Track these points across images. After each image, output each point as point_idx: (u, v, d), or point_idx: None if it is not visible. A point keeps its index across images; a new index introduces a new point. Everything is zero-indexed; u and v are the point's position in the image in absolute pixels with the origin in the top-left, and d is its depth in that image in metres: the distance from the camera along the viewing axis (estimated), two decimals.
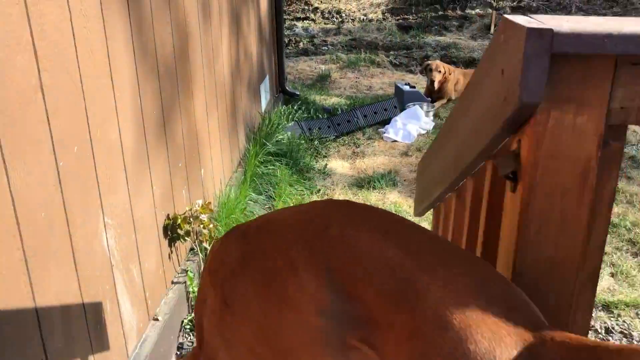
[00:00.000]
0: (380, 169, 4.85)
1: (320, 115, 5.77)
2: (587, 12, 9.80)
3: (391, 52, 8.99)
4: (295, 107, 5.68)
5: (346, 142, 5.44)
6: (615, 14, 9.58)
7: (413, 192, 4.38)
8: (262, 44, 5.18)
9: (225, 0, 3.79)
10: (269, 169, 4.23)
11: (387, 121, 5.80)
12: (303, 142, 5.04)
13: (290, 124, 5.07)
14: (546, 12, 10.08)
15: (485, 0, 10.75)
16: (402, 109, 5.96)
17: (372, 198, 4.30)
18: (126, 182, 2.22)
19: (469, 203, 1.28)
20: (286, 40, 9.10)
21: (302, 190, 4.32)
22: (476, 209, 1.25)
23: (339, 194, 4.34)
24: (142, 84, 2.35)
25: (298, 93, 6.13)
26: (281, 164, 4.38)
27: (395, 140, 5.44)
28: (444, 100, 6.62)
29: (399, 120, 5.65)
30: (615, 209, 4.15)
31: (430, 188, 1.61)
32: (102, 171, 2.00)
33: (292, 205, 4.03)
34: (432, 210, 1.99)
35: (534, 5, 10.34)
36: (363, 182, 4.54)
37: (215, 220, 3.11)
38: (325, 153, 5.16)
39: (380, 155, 5.13)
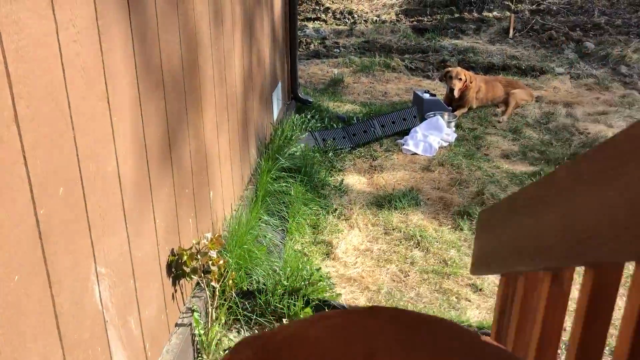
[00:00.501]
0: (401, 185, 4.50)
1: (334, 125, 5.43)
2: (610, 17, 9.41)
3: (406, 56, 8.63)
4: (308, 116, 5.34)
5: (362, 154, 5.10)
6: None
7: (438, 213, 4.05)
8: (275, 49, 4.85)
9: (238, 2, 3.45)
10: (282, 186, 3.90)
11: (406, 132, 5.45)
12: (317, 155, 4.70)
13: (303, 136, 4.74)
14: (567, 16, 9.71)
15: (503, 3, 10.37)
16: (422, 119, 5.62)
17: (394, 220, 3.96)
18: (124, 220, 1.89)
19: (583, 301, 0.94)
20: None
21: (317, 210, 3.98)
22: (596, 312, 0.91)
23: (357, 214, 4.00)
24: (144, 103, 2.02)
25: (311, 100, 5.79)
26: (295, 180, 4.04)
27: (415, 153, 5.09)
28: (465, 109, 6.26)
29: (419, 131, 5.30)
30: None
31: (506, 254, 1.27)
32: (95, 212, 1.67)
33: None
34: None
35: (554, 9, 9.95)
36: (383, 201, 4.20)
37: (226, 251, 2.78)
38: (341, 166, 4.82)
39: (400, 170, 4.78)
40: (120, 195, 1.85)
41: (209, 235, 2.41)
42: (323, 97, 6.70)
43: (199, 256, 2.31)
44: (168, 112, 2.27)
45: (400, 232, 3.81)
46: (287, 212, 3.73)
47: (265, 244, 3.12)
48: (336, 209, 4.04)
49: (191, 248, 2.37)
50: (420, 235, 3.73)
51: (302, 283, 2.82)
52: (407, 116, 5.50)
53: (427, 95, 5.85)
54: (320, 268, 3.08)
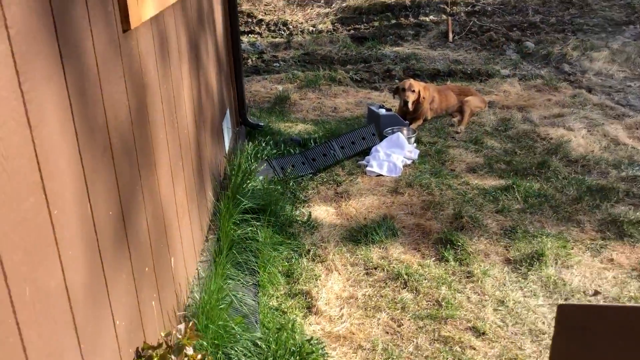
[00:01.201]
0: (372, 213, 4.15)
1: (291, 150, 5.01)
2: (544, 15, 9.49)
3: (349, 67, 8.33)
4: (262, 143, 4.90)
5: (325, 179, 4.71)
6: (573, 16, 9.32)
7: (418, 243, 3.74)
8: (220, 73, 4.39)
9: (183, 28, 2.99)
10: (247, 231, 3.45)
11: (366, 151, 5.12)
12: (279, 187, 4.27)
13: (262, 167, 4.29)
14: (503, 16, 9.72)
15: (438, 6, 10.29)
16: (380, 136, 5.30)
17: (373, 256, 3.59)
18: (77, 341, 1.41)
19: None
20: None
21: (288, 254, 3.56)
22: None
23: (333, 254, 3.60)
24: (91, 180, 1.55)
25: (262, 124, 5.35)
26: (260, 222, 3.59)
27: (380, 175, 4.76)
28: (420, 121, 6.01)
29: (380, 150, 4.98)
30: None
31: None
32: (39, 352, 1.19)
33: (280, 276, 3.27)
34: None
35: (489, 9, 9.95)
36: (358, 234, 3.83)
37: (199, 331, 2.31)
38: (305, 196, 4.41)
39: (368, 195, 4.43)
40: (70, 313, 1.37)
41: (182, 327, 1.94)
42: (271, 117, 6.27)
43: (172, 356, 1.85)
44: (119, 181, 1.80)
45: (384, 270, 3.45)
46: (256, 262, 3.28)
47: (239, 311, 2.67)
48: (309, 250, 3.63)
49: (161, 345, 1.89)
50: (405, 273, 3.38)
51: (292, 359, 2.39)
52: (366, 135, 5.17)
53: (383, 111, 5.55)
54: (311, 338, 2.66)
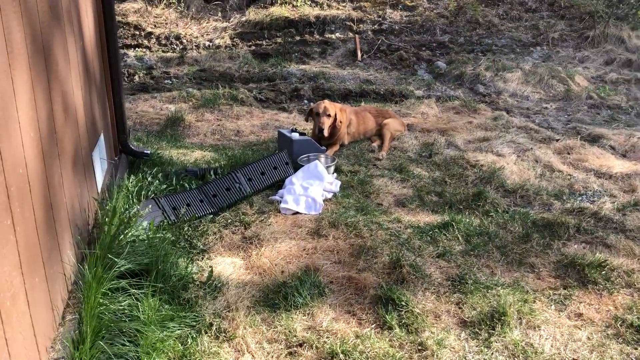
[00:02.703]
0: (291, 264, 3.31)
1: (186, 185, 4.06)
2: (452, 35, 9.23)
3: (252, 85, 7.52)
4: (148, 176, 3.91)
5: (230, 220, 3.81)
6: (480, 37, 9.12)
7: (351, 304, 3.02)
8: (90, 88, 3.39)
9: (18, 20, 2.02)
10: (123, 305, 2.48)
11: (279, 183, 4.29)
12: (170, 235, 3.31)
13: (145, 211, 3.32)
14: (411, 35, 9.35)
15: (344, 24, 9.76)
16: (295, 165, 4.51)
17: (297, 327, 2.74)
18: None
19: None
20: None
21: (183, 331, 2.62)
22: None
23: (244, 327, 2.71)
24: None
25: (148, 152, 4.35)
26: (143, 289, 2.63)
27: (297, 212, 3.94)
28: (337, 147, 5.30)
29: (296, 182, 4.17)
30: (619, 298, 3.08)
31: None
32: None
33: None
34: None
35: (397, 28, 9.56)
36: (275, 297, 2.97)
37: None
38: (204, 244, 3.49)
39: (284, 240, 3.59)
40: None
41: None
42: (161, 142, 5.28)
43: None
44: None
45: (312, 347, 2.61)
46: (136, 351, 2.32)
47: None
48: (211, 324, 2.71)
49: None
50: (341, 351, 2.56)
51: None
52: (277, 164, 4.34)
53: (296, 135, 4.76)
54: None
